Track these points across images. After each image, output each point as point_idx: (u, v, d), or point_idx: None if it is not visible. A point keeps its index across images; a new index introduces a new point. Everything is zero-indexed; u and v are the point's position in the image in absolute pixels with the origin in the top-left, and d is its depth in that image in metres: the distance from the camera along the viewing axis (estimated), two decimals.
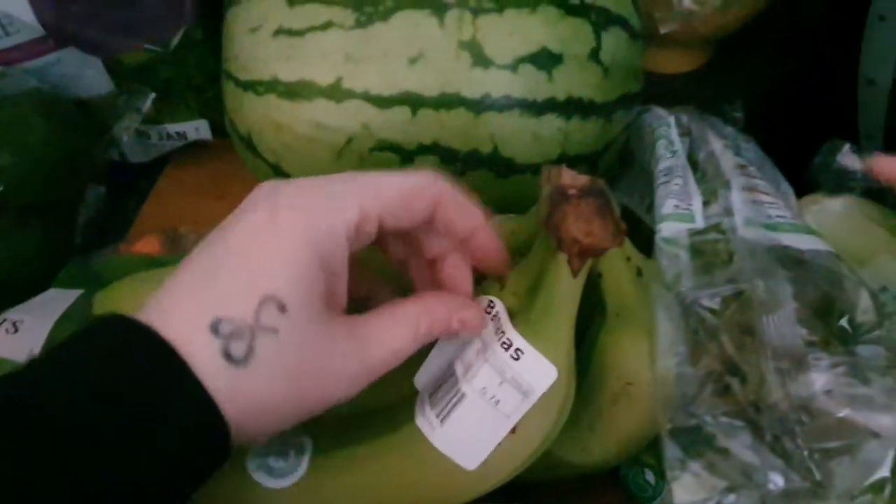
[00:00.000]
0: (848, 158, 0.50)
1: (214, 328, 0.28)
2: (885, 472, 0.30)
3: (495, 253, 0.36)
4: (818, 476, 0.29)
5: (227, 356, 0.28)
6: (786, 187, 0.46)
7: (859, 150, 0.50)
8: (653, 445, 0.41)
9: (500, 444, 0.36)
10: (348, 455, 0.39)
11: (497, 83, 0.42)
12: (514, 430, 0.36)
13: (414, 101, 0.42)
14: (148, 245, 0.54)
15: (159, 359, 0.28)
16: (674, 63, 0.64)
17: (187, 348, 0.28)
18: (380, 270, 0.38)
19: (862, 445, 0.30)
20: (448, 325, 0.34)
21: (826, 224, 0.46)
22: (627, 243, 0.38)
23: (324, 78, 0.42)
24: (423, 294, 0.35)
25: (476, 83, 0.42)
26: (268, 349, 0.29)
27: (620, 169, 0.50)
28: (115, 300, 0.45)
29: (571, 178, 0.35)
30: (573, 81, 0.43)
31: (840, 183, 0.49)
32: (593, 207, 0.34)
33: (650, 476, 0.42)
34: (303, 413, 0.31)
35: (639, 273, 0.38)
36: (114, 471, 0.26)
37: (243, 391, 0.29)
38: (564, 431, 0.40)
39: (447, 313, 0.34)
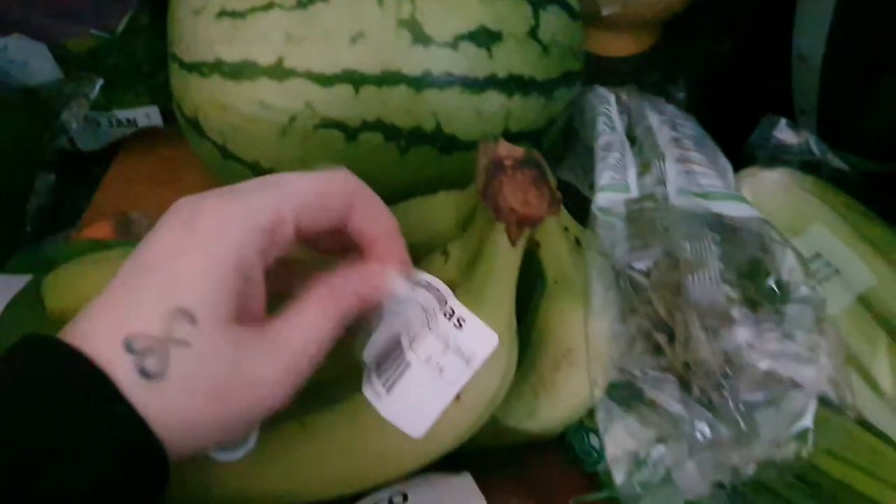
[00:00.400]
0: (784, 133, 0.52)
1: (128, 345, 0.28)
2: (808, 421, 0.31)
3: (399, 264, 0.35)
4: (744, 426, 0.30)
5: (143, 372, 0.28)
6: (724, 161, 0.48)
7: (794, 125, 0.51)
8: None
9: (445, 411, 0.37)
10: (298, 426, 0.39)
11: (437, 60, 0.43)
12: (458, 398, 0.37)
13: (356, 79, 0.42)
14: (99, 230, 0.54)
15: (83, 378, 0.28)
16: (620, 46, 0.65)
17: (108, 367, 0.28)
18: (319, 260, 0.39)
19: (786, 397, 0.31)
20: (359, 297, 0.34)
21: (762, 195, 0.47)
22: (565, 214, 0.39)
23: (266, 58, 0.43)
24: (329, 274, 0.34)
25: (416, 61, 0.43)
26: (182, 363, 0.28)
27: (565, 148, 0.51)
28: (62, 282, 0.45)
29: (507, 150, 0.36)
30: (513, 59, 0.44)
31: (776, 156, 0.51)
32: (529, 178, 0.35)
33: (594, 441, 0.43)
34: (233, 426, 0.31)
35: (577, 243, 0.39)
36: (39, 497, 0.26)
37: (164, 408, 0.28)
38: (509, 399, 0.41)
39: (354, 287, 0.34)
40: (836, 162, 0.50)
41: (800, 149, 0.51)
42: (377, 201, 0.34)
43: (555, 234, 0.38)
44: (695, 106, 0.57)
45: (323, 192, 0.33)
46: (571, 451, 0.45)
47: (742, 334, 0.31)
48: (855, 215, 0.47)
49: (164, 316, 0.28)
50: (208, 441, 0.31)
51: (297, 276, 0.36)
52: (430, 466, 0.40)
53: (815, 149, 0.51)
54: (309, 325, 0.32)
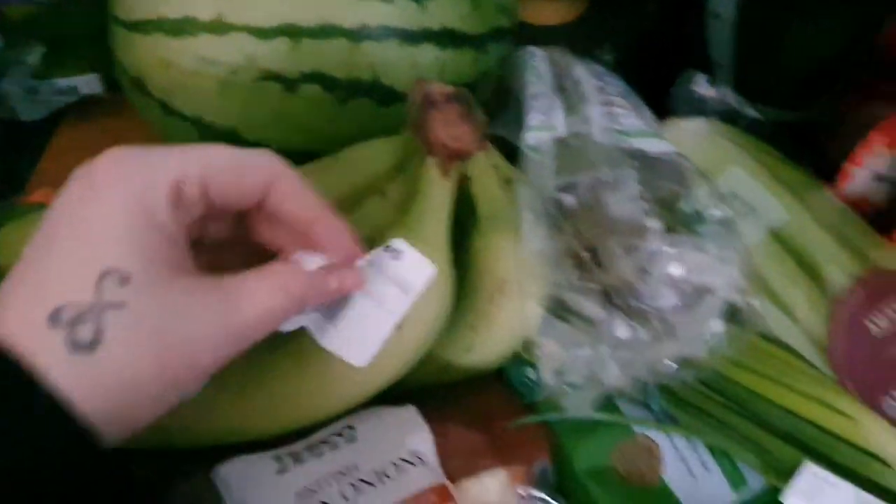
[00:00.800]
0: (702, 87, 0.55)
1: (54, 319, 0.26)
2: (718, 324, 0.34)
3: (342, 243, 0.34)
4: (659, 328, 0.33)
5: (74, 345, 0.26)
6: (647, 112, 0.50)
7: (712, 79, 0.55)
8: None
9: (386, 340, 0.39)
10: (245, 372, 0.41)
11: (373, 13, 0.45)
12: (399, 327, 0.39)
13: (294, 32, 0.44)
14: (44, 196, 0.55)
15: None
16: (551, 14, 0.68)
17: (29, 347, 0.26)
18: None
19: (698, 301, 0.34)
20: (330, 294, 0.34)
21: (682, 143, 0.50)
22: (496, 154, 0.42)
23: (205, 13, 0.44)
24: (296, 252, 0.34)
25: (353, 14, 0.45)
26: (118, 326, 0.26)
27: (498, 105, 0.54)
28: (8, 241, 0.46)
29: (438, 87, 0.38)
30: (445, 12, 0.46)
31: (696, 109, 0.54)
32: (458, 113, 0.37)
33: (531, 373, 0.46)
34: (171, 388, 0.29)
35: (508, 181, 0.42)
36: None
37: (100, 379, 0.26)
38: (448, 334, 0.43)
39: (328, 284, 0.33)
40: (750, 112, 0.54)
41: (717, 101, 0.55)
42: (304, 183, 0.33)
43: (485, 169, 0.40)
44: (622, 68, 0.60)
45: (238, 162, 0.31)
46: (509, 384, 0.47)
47: (657, 244, 0.34)
48: (768, 159, 0.50)
49: (92, 280, 0.26)
50: (147, 412, 0.29)
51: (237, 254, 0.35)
52: (376, 399, 0.42)
53: (731, 101, 0.54)
54: (268, 293, 0.31)
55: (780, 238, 0.47)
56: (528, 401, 0.45)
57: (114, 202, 0.28)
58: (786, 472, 0.39)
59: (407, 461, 0.40)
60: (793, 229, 0.47)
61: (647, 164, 0.40)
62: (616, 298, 0.34)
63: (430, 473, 0.40)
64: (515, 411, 0.45)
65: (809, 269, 0.46)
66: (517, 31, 0.53)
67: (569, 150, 0.41)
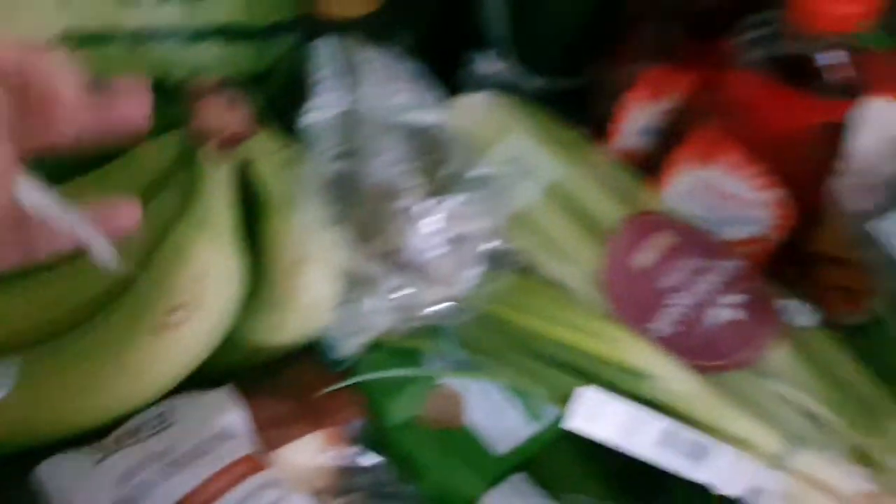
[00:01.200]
0: (486, 64, 0.59)
1: None
2: (479, 269, 0.38)
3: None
4: (424, 275, 0.37)
5: None
6: (432, 92, 0.54)
7: (494, 55, 0.59)
8: None
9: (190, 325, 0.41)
10: (58, 359, 0.42)
11: (152, 15, 0.46)
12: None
13: (73, 39, 0.45)
14: None
15: None
16: (350, 7, 0.70)
17: None
18: None
19: (458, 247, 0.38)
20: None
21: (465, 117, 0.54)
22: (277, 137, 0.44)
23: None
24: None
25: (131, 17, 0.46)
26: None
27: (294, 95, 0.56)
28: None
29: (203, 81, 0.40)
30: (223, 9, 0.48)
31: (483, 84, 0.58)
32: (225, 102, 0.40)
33: (334, 340, 0.48)
34: None
35: (290, 162, 0.44)
36: None
37: None
38: (255, 316, 0.46)
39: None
40: (531, 83, 0.59)
41: (502, 76, 0.59)
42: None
43: (264, 153, 0.43)
44: (420, 52, 0.64)
45: None
46: (323, 356, 0.50)
47: (421, 203, 0.38)
48: (545, 124, 0.55)
49: None
50: None
51: None
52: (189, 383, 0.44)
53: (513, 74, 0.59)
54: None
55: (557, 193, 0.51)
56: (340, 368, 0.48)
57: None
58: (571, 399, 0.44)
59: (220, 438, 0.42)
60: (568, 184, 0.52)
61: (417, 134, 0.43)
62: (392, 256, 0.38)
63: (242, 446, 0.42)
64: (329, 379, 0.48)
65: (586, 218, 0.50)
66: (308, 23, 0.56)
67: (345, 127, 0.44)
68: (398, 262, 0.38)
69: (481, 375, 0.46)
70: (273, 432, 0.44)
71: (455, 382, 0.46)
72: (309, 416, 0.45)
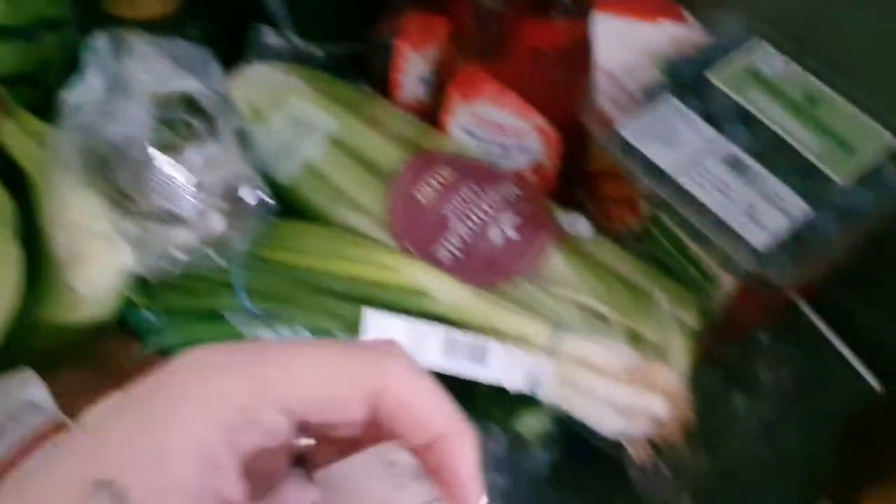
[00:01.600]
0: (269, 38, 0.62)
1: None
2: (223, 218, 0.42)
3: (463, 480, 0.25)
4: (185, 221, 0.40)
5: None
6: (210, 68, 0.57)
7: (276, 29, 0.62)
8: (144, 288, 0.50)
9: None
10: None
11: None
12: None
13: None
14: None
15: None
16: (144, 9, 0.72)
17: None
18: None
19: (211, 196, 0.40)
20: None
21: (248, 87, 0.57)
22: (34, 121, 0.46)
23: None
24: None
25: None
26: None
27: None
28: None
29: None
30: None
31: (265, 56, 0.61)
32: None
33: (148, 315, 0.50)
34: None
35: (46, 142, 0.46)
36: None
37: None
38: (48, 297, 0.47)
39: None
40: (313, 51, 0.62)
41: (285, 47, 0.62)
42: (422, 388, 0.25)
43: (17, 136, 0.44)
44: (212, 40, 0.66)
45: (331, 396, 0.24)
46: (134, 328, 0.51)
47: (170, 158, 0.41)
48: (325, 87, 0.58)
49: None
50: None
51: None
52: None
53: (295, 44, 0.62)
54: None
55: (341, 146, 0.55)
56: (144, 337, 0.50)
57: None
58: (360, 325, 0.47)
59: (24, 412, 0.44)
60: (349, 137, 0.55)
61: (171, 99, 0.46)
62: (153, 210, 0.40)
63: (48, 418, 0.44)
64: (135, 349, 0.49)
65: (369, 165, 0.54)
66: (85, 19, 0.58)
67: (108, 105, 0.46)
68: (160, 214, 0.40)
69: (278, 322, 0.48)
70: (79, 403, 0.45)
71: (260, 333, 0.49)
72: (112, 385, 0.46)
